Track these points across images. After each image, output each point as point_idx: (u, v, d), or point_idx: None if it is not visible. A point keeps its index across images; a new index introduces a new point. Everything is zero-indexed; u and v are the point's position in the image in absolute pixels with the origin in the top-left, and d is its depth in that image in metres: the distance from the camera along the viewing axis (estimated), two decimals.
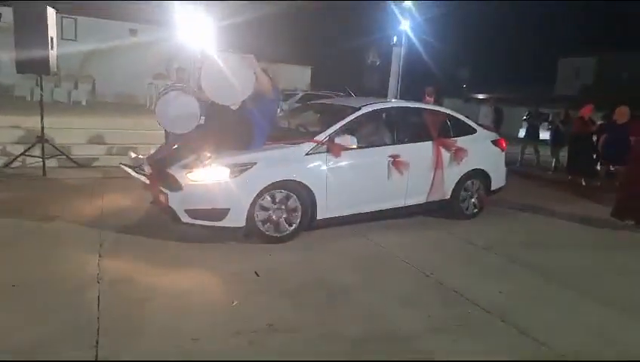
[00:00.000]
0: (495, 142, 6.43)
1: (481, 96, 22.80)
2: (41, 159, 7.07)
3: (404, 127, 5.68)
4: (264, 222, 4.60)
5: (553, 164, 11.25)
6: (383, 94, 15.97)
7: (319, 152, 4.85)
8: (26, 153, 7.25)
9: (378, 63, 18.04)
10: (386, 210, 5.46)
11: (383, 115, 5.80)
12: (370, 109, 5.49)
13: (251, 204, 4.47)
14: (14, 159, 7.31)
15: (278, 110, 5.25)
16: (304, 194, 4.76)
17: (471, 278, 4.13)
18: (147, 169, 4.67)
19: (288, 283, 3.79)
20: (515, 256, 4.78)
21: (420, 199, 5.71)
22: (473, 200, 6.18)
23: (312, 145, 4.86)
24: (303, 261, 4.32)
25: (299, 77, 17.00)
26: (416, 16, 16.17)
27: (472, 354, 2.93)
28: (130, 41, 16.30)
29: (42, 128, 7.14)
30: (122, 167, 4.73)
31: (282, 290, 3.63)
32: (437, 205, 5.91)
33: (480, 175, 6.19)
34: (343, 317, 3.28)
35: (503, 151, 6.52)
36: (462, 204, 6.07)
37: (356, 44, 18.26)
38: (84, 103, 15.04)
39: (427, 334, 3.13)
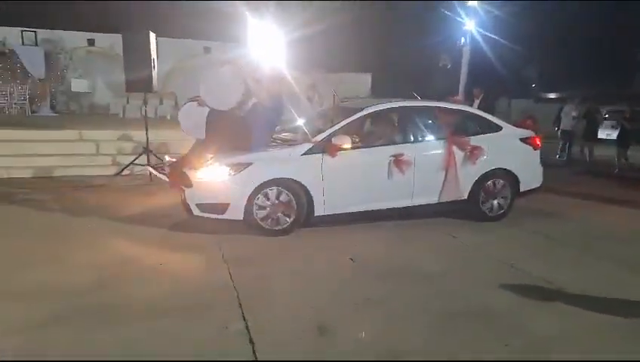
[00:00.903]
0: (525, 140, 6.25)
1: (552, 96, 21.31)
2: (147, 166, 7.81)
3: (410, 127, 5.77)
4: (261, 216, 5.08)
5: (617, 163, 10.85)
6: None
7: (315, 153, 5.20)
8: (134, 162, 8.33)
9: (449, 66, 17.72)
10: (393, 208, 5.65)
11: (388, 116, 5.98)
12: (373, 110, 5.71)
13: (248, 200, 4.94)
14: (125, 168, 8.40)
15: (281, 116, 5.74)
16: (300, 192, 5.12)
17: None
18: (167, 170, 5.42)
19: (378, 268, 4.37)
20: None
21: (432, 199, 5.76)
22: (497, 201, 6.09)
23: (309, 145, 5.24)
24: (388, 252, 4.87)
25: (359, 84, 17.28)
26: (482, 14, 15.68)
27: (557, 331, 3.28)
28: (204, 58, 17.88)
29: (147, 140, 8.13)
30: (148, 168, 5.51)
31: (374, 274, 4.22)
32: (453, 205, 5.94)
33: (505, 175, 6.09)
34: (429, 295, 3.81)
35: (536, 149, 6.32)
36: (483, 205, 6.02)
37: (420, 46, 18.10)
38: (168, 118, 16.74)
39: (512, 310, 3.56)
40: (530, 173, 6.27)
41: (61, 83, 16.48)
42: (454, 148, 5.73)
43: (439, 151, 5.72)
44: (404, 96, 6.35)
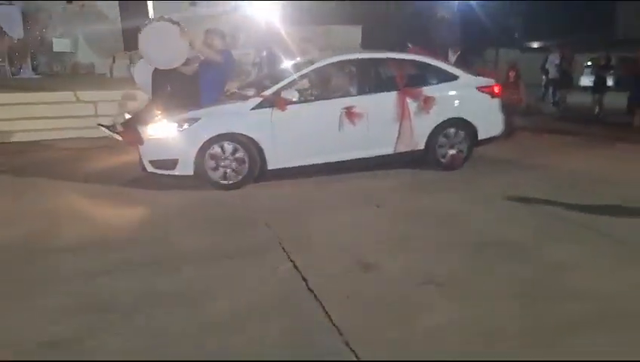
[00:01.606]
0: (483, 89, 6.36)
1: (535, 45, 21.14)
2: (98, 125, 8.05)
3: (363, 79, 5.88)
4: (214, 170, 5.29)
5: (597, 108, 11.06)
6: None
7: (264, 107, 5.35)
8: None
9: (447, 17, 17.44)
10: (348, 160, 5.85)
11: (341, 69, 6.07)
12: (324, 63, 5.80)
13: (197, 155, 5.14)
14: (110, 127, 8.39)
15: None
16: (250, 146, 5.31)
17: None
18: (119, 128, 5.62)
19: (404, 210, 4.78)
20: None
21: (387, 150, 5.93)
22: (455, 150, 6.24)
23: (258, 100, 5.39)
24: (409, 198, 5.23)
25: (349, 37, 17.09)
26: None
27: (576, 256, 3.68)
28: (190, 12, 17.69)
29: None
30: (100, 127, 5.72)
31: (402, 217, 4.63)
32: (410, 155, 6.12)
33: (462, 124, 6.23)
34: (457, 232, 4.23)
35: (494, 97, 6.43)
36: (440, 154, 6.19)
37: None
38: None
39: (535, 242, 3.97)
40: (489, 121, 6.39)
41: (41, 43, 16.45)
42: (408, 98, 5.87)
43: (392, 103, 5.84)
44: (395, 47, 6.46)
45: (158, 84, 5.31)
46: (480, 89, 6.31)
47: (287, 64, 6.71)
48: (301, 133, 5.54)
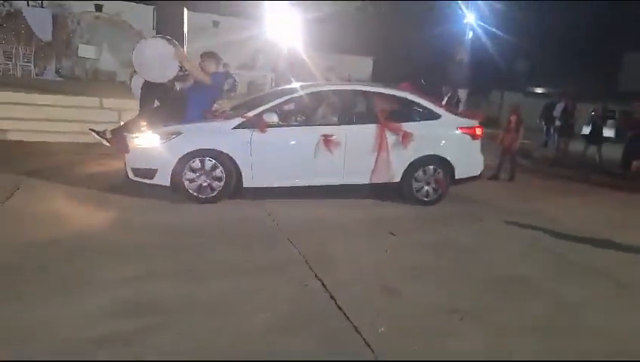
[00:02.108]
0: (464, 129, 6.59)
1: (539, 91, 21.42)
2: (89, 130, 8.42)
3: (345, 109, 6.20)
4: (190, 183, 5.59)
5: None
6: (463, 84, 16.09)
7: (246, 127, 5.67)
8: None
9: (464, 60, 17.87)
10: (322, 186, 6.11)
11: (326, 97, 6.40)
12: (309, 91, 6.15)
13: (174, 167, 5.45)
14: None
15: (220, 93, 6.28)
16: (228, 164, 5.61)
17: None
18: (108, 134, 6.01)
19: (422, 241, 5.11)
20: None
21: (363, 179, 6.17)
22: (429, 187, 6.46)
23: (240, 120, 5.72)
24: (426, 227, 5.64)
25: (360, 67, 17.64)
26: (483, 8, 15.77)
27: None
28: (212, 32, 18.45)
29: None
30: (90, 131, 6.12)
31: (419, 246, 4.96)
32: (386, 187, 6.36)
33: (439, 162, 6.45)
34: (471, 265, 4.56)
35: (475, 139, 6.66)
36: (415, 189, 6.41)
37: (423, 35, 18.24)
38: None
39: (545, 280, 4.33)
40: (468, 162, 6.61)
41: (67, 47, 17.30)
42: (386, 132, 6.14)
43: (371, 135, 6.11)
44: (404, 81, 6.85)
45: (146, 97, 5.71)
46: (461, 129, 6.57)
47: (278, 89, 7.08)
48: (278, 156, 5.83)
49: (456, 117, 6.72)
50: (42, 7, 16.62)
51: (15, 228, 4.45)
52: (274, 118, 5.68)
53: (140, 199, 5.58)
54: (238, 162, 5.65)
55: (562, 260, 4.95)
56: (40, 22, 16.06)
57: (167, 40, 5.78)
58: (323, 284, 3.74)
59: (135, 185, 5.69)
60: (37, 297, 3.23)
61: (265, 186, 5.87)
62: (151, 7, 17.79)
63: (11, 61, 15.28)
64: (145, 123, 5.62)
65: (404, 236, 5.21)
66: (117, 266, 3.80)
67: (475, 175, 6.76)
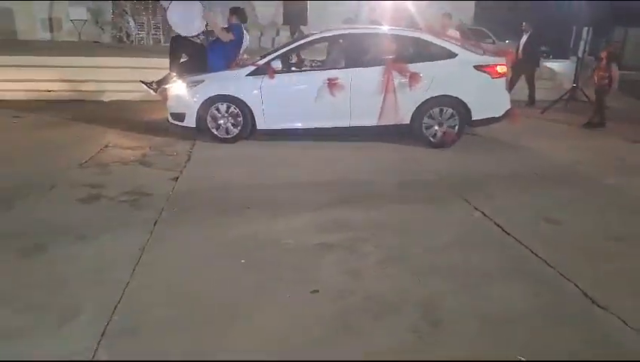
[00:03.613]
0: (481, 68, 6.60)
1: None
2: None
3: (351, 53, 6.65)
4: (213, 125, 6.72)
5: None
6: None
7: (257, 74, 6.56)
8: None
9: None
10: (331, 128, 6.77)
11: (333, 42, 6.92)
12: (318, 37, 6.78)
13: (198, 110, 6.55)
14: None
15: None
16: (243, 107, 6.58)
17: None
18: (154, 85, 7.41)
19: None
20: None
21: (370, 122, 6.66)
22: (441, 128, 6.69)
23: (253, 67, 6.62)
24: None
25: (458, 11, 16.84)
26: None
27: None
28: None
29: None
30: (140, 83, 7.56)
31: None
32: (395, 128, 6.77)
33: (453, 102, 6.61)
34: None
35: (495, 77, 6.65)
36: (427, 130, 6.72)
37: None
38: None
39: None
40: (485, 101, 6.67)
41: None
42: (392, 73, 6.52)
43: (376, 77, 6.55)
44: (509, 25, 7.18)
45: (175, 50, 6.95)
46: (478, 68, 6.61)
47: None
48: (286, 99, 6.61)
49: (474, 54, 6.77)
50: None
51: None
52: (278, 65, 6.49)
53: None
54: (250, 106, 6.59)
55: None
56: None
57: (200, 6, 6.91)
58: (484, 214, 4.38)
59: None
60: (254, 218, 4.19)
61: (275, 128, 6.74)
62: None
63: (144, 31, 18.08)
64: (174, 74, 6.87)
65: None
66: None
67: (495, 116, 6.77)
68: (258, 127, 6.71)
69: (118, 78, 9.86)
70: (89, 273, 3.18)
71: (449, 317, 2.82)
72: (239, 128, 6.68)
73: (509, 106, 6.81)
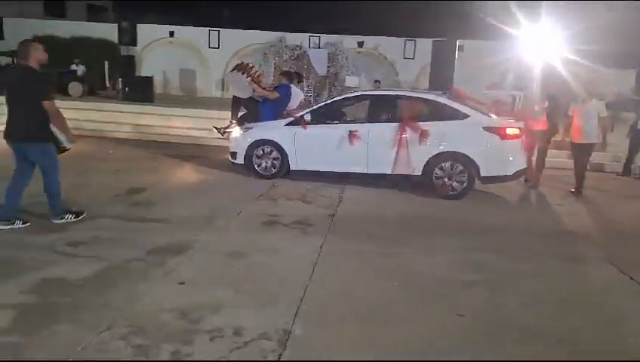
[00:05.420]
0: (490, 129, 7.18)
1: None
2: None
3: (372, 110, 7.82)
4: (257, 163, 8.34)
5: None
6: None
7: (293, 124, 8.08)
8: None
9: None
10: (351, 173, 7.89)
11: (357, 101, 8.18)
12: (345, 96, 8.14)
13: (246, 150, 8.28)
14: None
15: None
16: (281, 151, 8.12)
17: None
18: (221, 130, 9.40)
19: None
20: None
21: (385, 170, 7.64)
22: (451, 181, 7.33)
23: (290, 119, 8.17)
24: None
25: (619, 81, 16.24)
26: None
27: None
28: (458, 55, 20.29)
29: None
30: (213, 128, 9.60)
31: None
32: (409, 178, 7.62)
33: (462, 158, 7.26)
34: None
35: (505, 139, 7.14)
36: (437, 181, 7.41)
37: None
38: None
39: None
40: (494, 160, 7.19)
41: (336, 78, 22.28)
42: (405, 130, 7.47)
43: (391, 131, 7.56)
44: None
45: (235, 105, 8.92)
46: (487, 129, 7.21)
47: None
48: (314, 146, 7.97)
49: (486, 117, 7.38)
50: (319, 48, 22.15)
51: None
52: (309, 118, 7.96)
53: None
54: (286, 150, 8.11)
55: None
56: (319, 59, 21.57)
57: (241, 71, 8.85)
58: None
59: None
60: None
61: (305, 169, 8.12)
62: (401, 40, 21.29)
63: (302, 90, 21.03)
64: (234, 122, 8.81)
65: None
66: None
67: (505, 174, 7.21)
68: (291, 168, 8.16)
69: None
70: (280, 274, 4.35)
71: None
72: (277, 168, 8.22)
73: (522, 166, 7.20)
